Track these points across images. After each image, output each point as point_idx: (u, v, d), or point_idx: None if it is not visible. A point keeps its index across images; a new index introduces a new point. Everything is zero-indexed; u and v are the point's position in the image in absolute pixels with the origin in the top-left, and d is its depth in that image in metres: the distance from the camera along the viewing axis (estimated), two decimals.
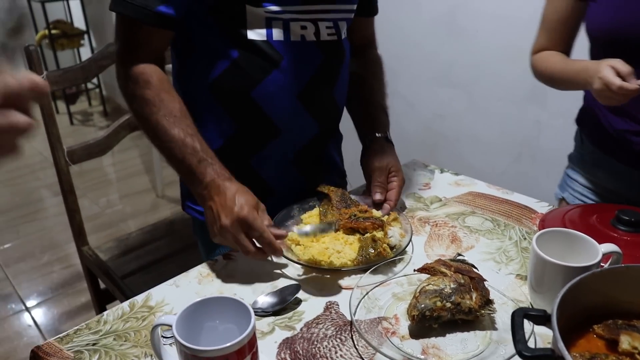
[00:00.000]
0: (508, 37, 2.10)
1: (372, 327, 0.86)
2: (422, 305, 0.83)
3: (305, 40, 1.11)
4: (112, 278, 1.67)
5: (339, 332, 0.87)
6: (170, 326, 0.70)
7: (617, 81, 1.01)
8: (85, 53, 4.89)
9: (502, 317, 0.87)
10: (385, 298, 0.93)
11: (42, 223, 3.22)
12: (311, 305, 0.93)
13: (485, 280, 0.88)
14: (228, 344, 0.67)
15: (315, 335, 0.86)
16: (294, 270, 1.02)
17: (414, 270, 0.94)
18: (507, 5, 2.07)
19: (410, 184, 1.34)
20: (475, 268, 0.91)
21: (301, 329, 0.87)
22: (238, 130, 1.16)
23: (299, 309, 0.92)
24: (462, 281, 0.86)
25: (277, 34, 1.08)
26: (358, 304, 0.90)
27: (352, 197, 1.18)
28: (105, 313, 0.92)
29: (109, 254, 1.77)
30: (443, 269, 0.89)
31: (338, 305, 0.93)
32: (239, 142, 1.17)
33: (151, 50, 1.08)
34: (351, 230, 1.08)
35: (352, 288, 0.93)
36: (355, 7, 1.20)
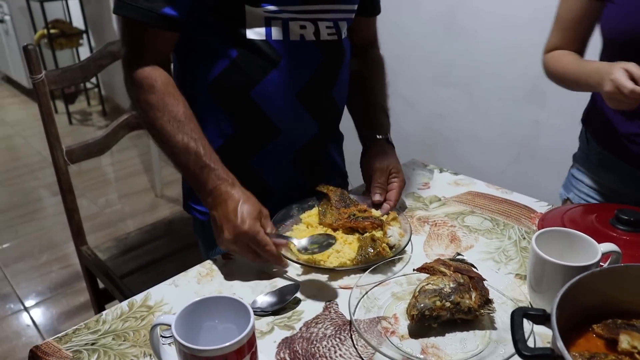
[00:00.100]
0: (507, 37, 2.11)
1: (371, 326, 0.86)
2: (422, 305, 0.82)
3: (304, 40, 1.11)
4: (111, 278, 1.66)
5: (338, 332, 0.86)
6: (170, 326, 0.70)
7: (630, 84, 0.99)
8: (84, 53, 4.89)
9: (502, 316, 0.87)
10: (384, 297, 0.93)
11: (41, 223, 3.22)
12: (310, 305, 0.93)
13: (484, 279, 0.88)
14: (227, 344, 0.67)
15: (314, 334, 0.86)
16: (293, 270, 1.02)
17: (413, 270, 0.94)
18: (507, 5, 2.07)
19: (409, 183, 1.34)
20: (475, 267, 0.91)
21: (300, 329, 0.87)
22: (238, 130, 1.16)
23: (298, 308, 0.92)
24: (462, 281, 0.86)
25: (276, 33, 1.08)
26: (357, 304, 0.90)
27: (352, 196, 1.18)
28: (104, 313, 0.92)
29: (107, 253, 1.76)
30: (442, 269, 0.88)
31: (337, 304, 0.93)
32: (239, 142, 1.17)
33: (157, 53, 1.07)
34: (350, 230, 1.08)
35: (351, 288, 0.93)
36: (355, 7, 1.19)
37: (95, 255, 1.75)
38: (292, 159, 1.22)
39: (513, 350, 0.65)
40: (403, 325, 0.86)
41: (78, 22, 4.74)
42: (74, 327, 0.89)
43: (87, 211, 3.20)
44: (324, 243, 0.98)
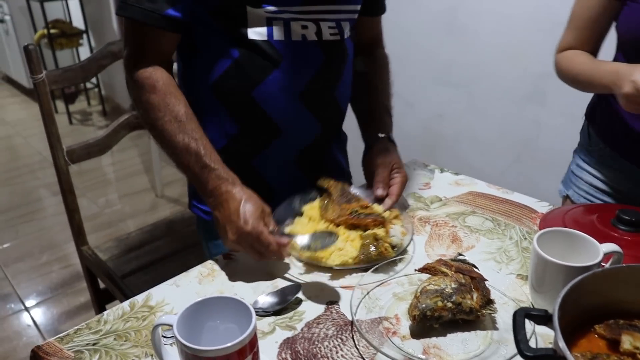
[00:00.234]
0: (508, 37, 2.11)
1: (373, 327, 0.86)
2: (423, 305, 0.82)
3: (306, 40, 1.11)
4: (112, 278, 1.66)
5: (340, 332, 0.86)
6: (171, 326, 0.70)
7: None
8: (84, 52, 4.89)
9: (503, 317, 0.87)
10: (386, 298, 0.93)
11: (41, 223, 3.22)
12: (312, 305, 0.93)
13: (486, 280, 0.88)
14: (229, 344, 0.67)
15: (316, 335, 0.86)
16: (295, 270, 1.02)
17: (415, 270, 0.94)
18: (507, 5, 2.07)
19: (410, 183, 1.34)
20: (476, 268, 0.91)
21: (302, 329, 0.87)
22: (240, 130, 1.16)
23: (300, 308, 0.92)
24: (463, 281, 0.86)
25: (278, 33, 1.08)
26: (359, 304, 0.90)
27: (353, 191, 1.17)
28: (105, 313, 0.92)
29: (108, 253, 1.76)
30: (444, 269, 0.88)
31: (339, 305, 0.93)
32: (241, 142, 1.17)
33: (159, 54, 1.08)
34: (352, 226, 1.07)
35: (353, 288, 0.93)
36: (358, 7, 1.19)
37: (95, 255, 1.75)
38: (294, 160, 1.22)
39: (515, 350, 0.65)
40: (405, 325, 0.86)
41: (78, 22, 4.74)
42: (76, 327, 0.89)
43: (87, 211, 3.21)
44: (326, 240, 0.99)
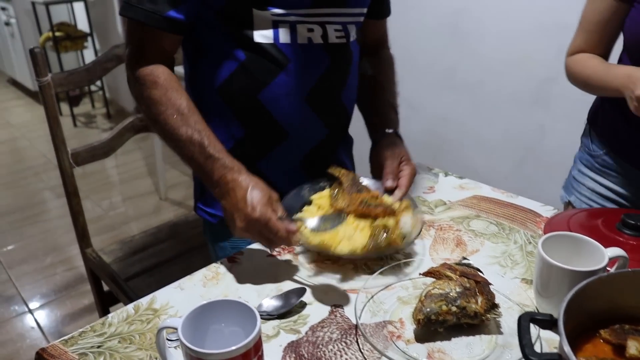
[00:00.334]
0: (512, 41, 2.11)
1: (377, 330, 0.86)
2: (428, 309, 0.82)
3: (312, 43, 1.11)
4: (116, 280, 1.67)
5: (344, 336, 0.86)
6: (176, 329, 0.70)
7: None
8: (89, 55, 4.91)
9: (508, 321, 0.87)
10: (390, 302, 0.93)
11: (45, 225, 3.23)
12: (316, 309, 0.93)
13: (490, 284, 0.88)
14: (234, 347, 0.67)
15: (320, 338, 0.86)
16: (299, 273, 1.02)
17: (419, 274, 0.94)
18: (511, 10, 2.07)
19: (414, 187, 1.34)
20: (481, 272, 0.90)
21: (306, 333, 0.87)
22: (246, 133, 1.16)
23: (304, 312, 0.92)
24: (468, 285, 0.86)
25: (284, 36, 1.08)
26: (363, 308, 0.90)
27: (363, 181, 1.16)
28: (109, 315, 0.92)
29: (112, 256, 1.76)
30: (448, 273, 0.88)
31: (343, 308, 0.93)
32: (248, 145, 1.17)
33: (160, 53, 1.08)
34: (362, 216, 1.05)
35: (357, 291, 0.93)
36: (365, 10, 1.19)
37: (100, 257, 1.75)
38: (300, 163, 1.22)
39: (519, 355, 0.65)
40: (409, 329, 0.86)
41: (83, 25, 4.76)
42: (80, 330, 0.89)
43: (91, 214, 3.21)
44: (335, 221, 0.98)
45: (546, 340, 0.83)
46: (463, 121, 2.41)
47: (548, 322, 0.68)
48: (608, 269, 0.86)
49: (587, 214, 1.14)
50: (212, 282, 1.01)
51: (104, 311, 1.85)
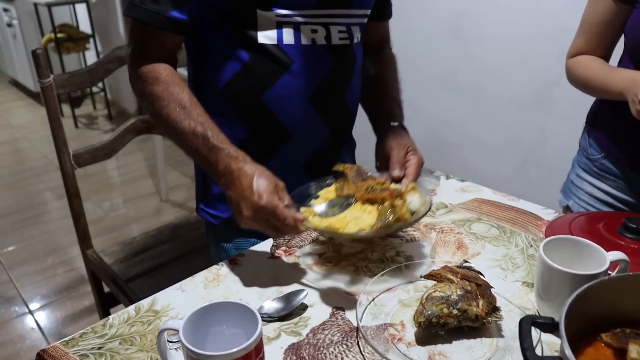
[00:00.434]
0: (514, 44, 2.11)
1: (378, 333, 0.86)
2: (429, 312, 0.82)
3: (315, 44, 1.11)
4: (116, 282, 1.67)
5: (345, 338, 0.86)
6: (177, 331, 0.70)
7: None
8: (91, 57, 4.92)
9: (509, 324, 0.86)
10: (391, 304, 0.92)
11: (46, 226, 3.23)
12: (317, 311, 0.93)
13: (491, 287, 0.88)
14: (235, 350, 0.67)
15: (321, 341, 0.86)
16: (301, 276, 1.02)
17: (421, 277, 0.94)
18: (513, 12, 2.07)
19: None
20: (482, 275, 0.90)
21: (307, 335, 0.87)
22: (250, 134, 1.16)
23: (305, 314, 0.92)
24: (469, 288, 0.86)
25: (288, 36, 1.08)
26: (364, 310, 0.89)
27: (368, 172, 1.13)
28: (110, 317, 0.92)
29: (113, 257, 1.77)
30: (450, 276, 0.88)
31: (344, 311, 0.93)
32: (251, 146, 1.16)
33: (162, 53, 1.08)
34: (369, 202, 1.02)
35: (359, 294, 0.92)
36: (369, 11, 1.19)
37: (100, 259, 1.75)
38: (304, 164, 1.22)
39: (521, 358, 0.65)
40: (410, 332, 0.86)
41: (85, 26, 4.77)
42: (81, 331, 0.89)
43: (92, 215, 3.21)
44: (343, 204, 0.96)
45: (547, 343, 0.83)
46: (464, 124, 2.41)
47: (549, 326, 0.68)
48: (609, 272, 0.86)
49: (588, 217, 1.14)
50: (213, 284, 1.01)
51: (105, 312, 1.85)
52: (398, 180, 1.10)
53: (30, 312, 2.51)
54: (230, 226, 1.24)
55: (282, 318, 0.91)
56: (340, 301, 0.95)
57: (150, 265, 1.73)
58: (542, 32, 2.00)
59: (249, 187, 0.94)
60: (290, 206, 0.93)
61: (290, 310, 0.91)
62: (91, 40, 4.72)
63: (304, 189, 1.12)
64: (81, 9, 4.79)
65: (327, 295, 0.97)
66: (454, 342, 0.84)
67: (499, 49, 2.16)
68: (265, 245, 1.12)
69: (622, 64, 1.25)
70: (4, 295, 2.62)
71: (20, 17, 4.99)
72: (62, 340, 0.87)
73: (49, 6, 4.29)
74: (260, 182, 0.94)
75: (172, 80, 1.06)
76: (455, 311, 0.82)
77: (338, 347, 0.85)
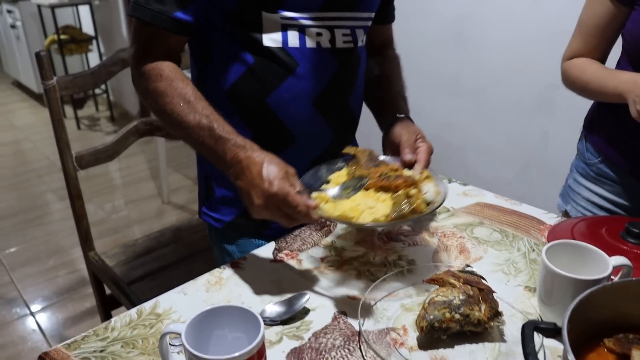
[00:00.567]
0: (516, 47, 2.11)
1: (380, 337, 0.86)
2: (431, 317, 0.82)
3: (320, 47, 1.11)
4: (118, 284, 1.67)
5: (347, 343, 0.86)
6: (179, 334, 0.70)
7: None
8: (93, 58, 4.93)
9: (511, 329, 0.86)
10: (393, 309, 0.92)
11: (48, 227, 3.23)
12: (319, 315, 0.93)
13: (493, 291, 0.87)
14: (237, 354, 0.67)
15: (323, 345, 0.86)
16: (303, 279, 1.02)
17: (423, 281, 0.94)
18: (514, 15, 2.07)
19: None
20: (484, 279, 0.90)
21: (309, 339, 0.87)
22: (254, 136, 1.16)
23: (307, 318, 0.92)
24: (471, 292, 0.85)
25: (293, 39, 1.09)
26: (366, 315, 0.89)
27: (380, 157, 1.12)
28: (112, 320, 0.92)
29: (115, 259, 1.77)
30: (452, 280, 0.88)
31: (346, 315, 0.93)
32: None
33: (165, 52, 1.08)
34: (382, 190, 1.00)
35: (361, 298, 0.92)
36: (373, 14, 1.20)
37: (102, 261, 1.75)
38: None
39: None
40: (412, 336, 0.86)
41: (88, 28, 4.78)
42: (83, 334, 0.89)
43: (93, 217, 3.21)
44: (357, 185, 0.94)
45: (550, 349, 0.82)
46: (466, 127, 2.41)
47: (552, 331, 0.68)
48: (612, 277, 0.86)
49: (590, 222, 1.14)
50: (216, 287, 1.01)
51: (106, 315, 1.85)
52: (410, 166, 1.08)
53: (32, 314, 2.51)
54: (233, 229, 1.24)
55: (284, 322, 0.90)
56: (342, 305, 0.95)
57: (152, 267, 1.73)
58: (543, 35, 2.00)
59: (258, 175, 0.92)
60: (302, 192, 0.91)
61: (293, 314, 0.91)
62: (94, 42, 4.74)
63: (314, 172, 1.09)
64: (84, 10, 4.80)
65: (330, 299, 0.96)
66: (456, 347, 0.84)
67: (501, 52, 2.16)
68: (267, 249, 1.12)
69: (620, 66, 1.24)
70: (6, 297, 2.62)
71: (24, 19, 5.01)
72: (64, 342, 0.87)
73: (52, 8, 4.30)
74: (271, 169, 0.92)
75: (175, 76, 1.05)
76: (457, 316, 0.82)
77: (340, 351, 0.84)
